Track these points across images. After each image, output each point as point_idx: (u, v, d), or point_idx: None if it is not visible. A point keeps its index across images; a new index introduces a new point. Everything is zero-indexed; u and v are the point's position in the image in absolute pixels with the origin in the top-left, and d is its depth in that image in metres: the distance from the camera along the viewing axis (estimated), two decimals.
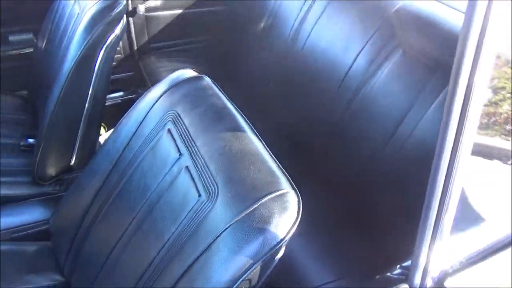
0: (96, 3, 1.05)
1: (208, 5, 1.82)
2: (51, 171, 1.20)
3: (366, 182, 1.19)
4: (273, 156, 0.66)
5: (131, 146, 0.84)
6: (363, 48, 1.21)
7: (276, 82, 1.54)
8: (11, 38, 1.52)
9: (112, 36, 1.08)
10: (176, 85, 0.82)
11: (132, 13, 1.69)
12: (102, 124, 1.82)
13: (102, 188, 0.88)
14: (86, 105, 1.14)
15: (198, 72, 0.87)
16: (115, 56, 1.77)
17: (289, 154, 1.38)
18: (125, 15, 1.13)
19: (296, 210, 0.57)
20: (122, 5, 1.05)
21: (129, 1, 1.66)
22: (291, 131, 1.44)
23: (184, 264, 0.61)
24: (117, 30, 1.08)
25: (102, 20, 1.03)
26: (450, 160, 0.52)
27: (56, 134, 1.16)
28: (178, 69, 1.79)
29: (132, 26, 1.73)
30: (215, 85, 0.83)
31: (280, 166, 0.64)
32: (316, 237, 1.13)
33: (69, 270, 0.95)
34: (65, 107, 1.12)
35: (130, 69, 1.87)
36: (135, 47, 1.79)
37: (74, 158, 1.21)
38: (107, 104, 1.80)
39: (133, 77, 1.89)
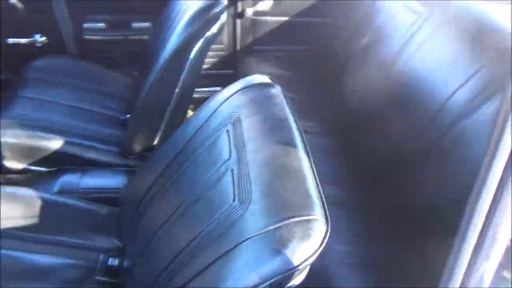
0: (199, 1, 1.13)
1: (315, 16, 1.82)
2: (136, 147, 1.32)
3: (443, 226, 1.07)
4: (317, 180, 0.63)
5: (195, 138, 0.88)
6: (466, 81, 1.08)
7: (369, 100, 1.47)
8: (133, 25, 1.72)
9: (208, 33, 1.15)
10: (246, 88, 0.83)
11: (240, 15, 1.78)
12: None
13: (165, 170, 0.94)
14: (176, 91, 1.23)
15: (273, 80, 0.87)
16: (219, 53, 1.89)
17: (366, 172, 1.31)
18: (225, 14, 1.20)
19: (320, 240, 0.53)
20: (221, 7, 1.11)
21: (239, 3, 1.74)
22: (375, 151, 1.37)
23: (206, 261, 0.62)
24: (214, 29, 1.15)
25: (201, 17, 1.11)
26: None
27: (146, 115, 1.28)
28: (274, 73, 1.83)
29: (238, 27, 1.81)
30: (285, 95, 0.82)
31: (321, 191, 0.61)
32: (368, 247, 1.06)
33: (126, 238, 1.03)
34: (157, 92, 1.23)
35: (231, 67, 1.96)
36: (238, 47, 1.88)
37: (157, 139, 1.32)
38: (205, 96, 1.92)
39: (233, 74, 1.99)
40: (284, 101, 0.80)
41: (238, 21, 1.80)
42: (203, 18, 1.10)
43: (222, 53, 1.89)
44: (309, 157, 0.67)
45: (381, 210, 1.19)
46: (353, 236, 1.09)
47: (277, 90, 0.83)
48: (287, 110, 0.77)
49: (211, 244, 0.63)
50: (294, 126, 0.73)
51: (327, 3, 1.81)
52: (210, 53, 1.86)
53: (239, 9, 1.76)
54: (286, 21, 1.83)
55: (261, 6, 1.76)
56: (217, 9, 1.11)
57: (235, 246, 0.57)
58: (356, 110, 1.50)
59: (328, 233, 0.54)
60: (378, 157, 1.32)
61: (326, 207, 0.58)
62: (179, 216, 0.80)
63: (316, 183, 0.62)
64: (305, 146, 0.69)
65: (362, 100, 1.46)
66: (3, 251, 0.96)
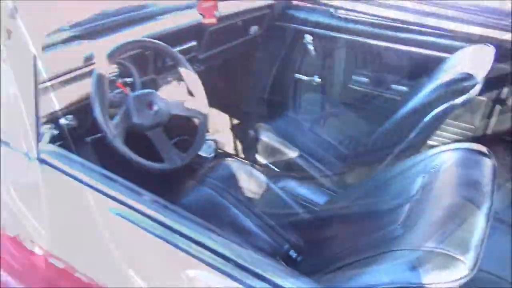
0: (456, 76, 1.21)
1: None
2: (348, 179, 1.52)
3: None
4: (485, 240, 0.64)
5: (395, 178, 0.99)
6: None
7: None
8: (392, 86, 1.93)
9: (452, 102, 1.22)
10: (459, 150, 0.89)
11: (501, 101, 1.70)
12: None
13: (359, 197, 1.09)
14: (402, 143, 1.34)
15: (489, 151, 0.88)
16: (465, 132, 1.86)
17: None
18: (477, 90, 1.23)
19: (454, 277, 0.56)
20: (473, 82, 1.16)
21: (504, 89, 1.68)
22: None
23: (355, 258, 0.74)
24: (458, 100, 1.20)
25: (450, 86, 1.19)
26: None
27: (365, 157, 1.45)
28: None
29: (495, 112, 1.74)
30: (495, 166, 0.83)
31: (482, 248, 0.62)
32: None
33: (308, 240, 1.23)
34: (383, 140, 1.38)
35: None
36: (488, 132, 1.79)
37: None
38: None
39: None
40: (491, 172, 0.81)
41: (497, 107, 1.73)
42: (452, 87, 1.18)
43: (468, 133, 1.85)
44: (487, 222, 0.68)
45: None
46: None
47: (490, 162, 0.84)
48: (489, 180, 0.78)
49: (365, 249, 0.75)
50: (487, 193, 0.74)
51: None
52: (456, 130, 1.86)
53: (503, 95, 1.70)
54: None
55: None
56: (468, 84, 1.17)
57: (381, 253, 0.67)
58: None
59: (467, 279, 0.57)
60: None
61: (479, 260, 0.60)
62: (352, 229, 0.93)
63: (482, 240, 0.63)
64: (488, 214, 0.69)
65: None
66: (232, 208, 1.33)
